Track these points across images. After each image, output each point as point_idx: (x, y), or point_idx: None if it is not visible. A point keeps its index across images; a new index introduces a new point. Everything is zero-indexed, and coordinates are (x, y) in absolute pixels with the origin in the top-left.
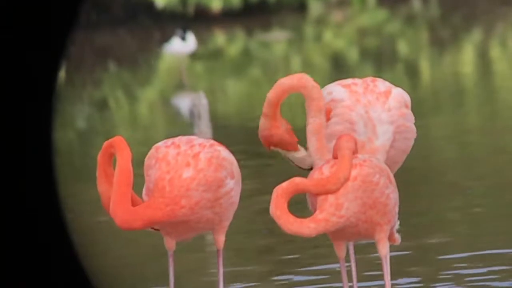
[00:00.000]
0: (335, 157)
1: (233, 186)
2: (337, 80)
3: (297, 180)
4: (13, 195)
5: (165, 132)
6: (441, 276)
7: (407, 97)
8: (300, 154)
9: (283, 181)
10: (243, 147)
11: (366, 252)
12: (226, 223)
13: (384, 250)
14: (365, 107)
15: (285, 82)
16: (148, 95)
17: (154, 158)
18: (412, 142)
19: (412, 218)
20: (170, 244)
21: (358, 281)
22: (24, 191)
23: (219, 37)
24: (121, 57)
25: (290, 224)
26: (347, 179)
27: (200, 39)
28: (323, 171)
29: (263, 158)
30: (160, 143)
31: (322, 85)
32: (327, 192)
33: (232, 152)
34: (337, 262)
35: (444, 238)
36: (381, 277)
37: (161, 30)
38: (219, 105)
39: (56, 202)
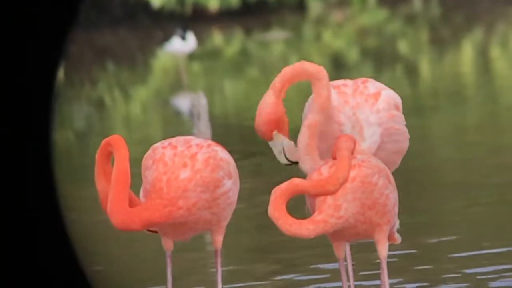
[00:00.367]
0: (333, 157)
1: (231, 186)
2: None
3: (296, 181)
4: (13, 195)
5: (163, 132)
6: (442, 276)
7: (397, 99)
8: (291, 144)
9: (283, 180)
10: (241, 147)
11: (366, 251)
12: (224, 223)
13: (383, 251)
14: (353, 108)
15: (306, 65)
16: (147, 94)
17: (151, 159)
18: (405, 144)
19: (412, 218)
20: (167, 244)
21: (359, 280)
22: (23, 190)
23: (217, 37)
24: (120, 57)
25: (289, 225)
26: (346, 180)
27: (198, 39)
28: (322, 172)
29: (261, 157)
30: (157, 144)
31: None
32: (326, 193)
33: (230, 151)
34: (337, 261)
35: (445, 237)
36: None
37: (160, 29)
38: (216, 105)
39: (55, 202)
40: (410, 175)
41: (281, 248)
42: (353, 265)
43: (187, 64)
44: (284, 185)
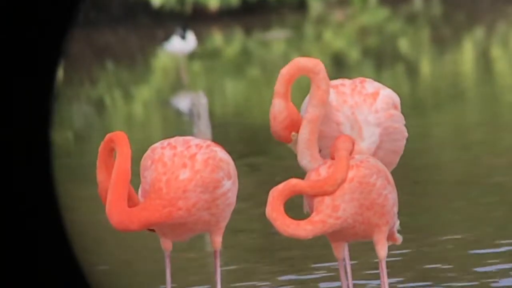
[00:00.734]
0: (332, 157)
1: (230, 186)
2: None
3: (294, 181)
4: (12, 195)
5: (163, 132)
6: (444, 275)
7: (396, 98)
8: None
9: (282, 180)
10: (241, 147)
11: (367, 250)
12: (223, 224)
13: (382, 252)
14: (351, 108)
15: (301, 61)
16: (147, 94)
17: (150, 159)
18: (403, 143)
19: (413, 217)
20: (166, 244)
21: (359, 280)
22: (23, 190)
23: (217, 36)
24: (119, 56)
25: (287, 226)
26: (344, 180)
27: (198, 38)
28: (320, 172)
29: (261, 157)
30: (156, 144)
31: None
32: (324, 194)
33: (230, 151)
34: (336, 261)
35: (446, 236)
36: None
37: (160, 29)
38: (217, 104)
39: (54, 202)
40: (411, 174)
41: (282, 248)
42: (354, 264)
43: (187, 63)
44: (281, 185)
